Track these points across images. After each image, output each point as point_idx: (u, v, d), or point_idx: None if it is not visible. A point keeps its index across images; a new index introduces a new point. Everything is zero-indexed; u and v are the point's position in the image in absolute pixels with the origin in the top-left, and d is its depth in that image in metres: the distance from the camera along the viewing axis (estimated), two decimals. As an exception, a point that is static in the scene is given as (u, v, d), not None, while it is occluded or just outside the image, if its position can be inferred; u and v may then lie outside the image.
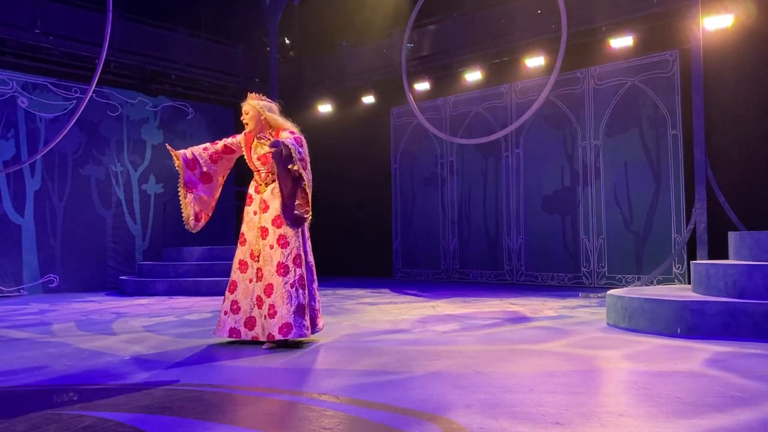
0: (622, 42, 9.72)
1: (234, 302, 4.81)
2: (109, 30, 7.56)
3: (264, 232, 4.71)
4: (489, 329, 5.50)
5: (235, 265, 4.86)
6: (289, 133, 4.72)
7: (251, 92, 5.00)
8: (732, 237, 5.80)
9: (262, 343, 4.64)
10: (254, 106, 4.85)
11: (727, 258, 6.01)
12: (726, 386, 3.25)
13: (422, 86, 12.24)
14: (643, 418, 2.69)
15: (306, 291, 4.66)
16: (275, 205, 4.70)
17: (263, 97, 4.94)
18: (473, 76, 11.48)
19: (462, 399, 3.04)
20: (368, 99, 13.14)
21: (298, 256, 4.65)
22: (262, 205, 4.77)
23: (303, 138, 4.77)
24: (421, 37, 12.21)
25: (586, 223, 10.37)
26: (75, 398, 3.17)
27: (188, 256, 10.83)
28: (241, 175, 10.03)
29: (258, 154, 4.84)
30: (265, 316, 4.59)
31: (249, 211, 4.87)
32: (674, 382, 3.37)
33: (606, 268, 10.12)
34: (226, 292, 4.87)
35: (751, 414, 2.73)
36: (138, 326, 6.11)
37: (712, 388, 3.20)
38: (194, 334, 5.47)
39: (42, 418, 2.79)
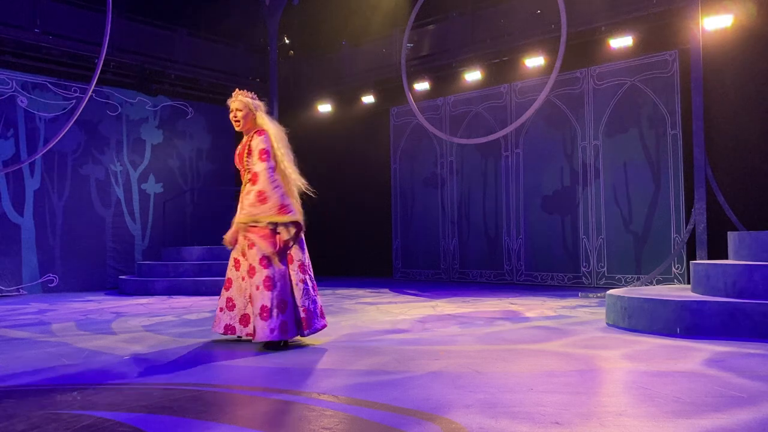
0: (621, 42, 9.71)
1: (229, 299, 4.84)
2: (108, 29, 7.56)
3: None
4: (488, 329, 5.50)
5: (230, 262, 4.91)
6: (262, 137, 4.67)
7: (239, 89, 4.87)
8: (731, 237, 5.80)
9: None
10: (247, 104, 4.76)
11: (726, 258, 6.01)
12: (725, 386, 3.25)
13: (422, 86, 12.24)
14: (643, 418, 2.69)
15: (275, 292, 4.47)
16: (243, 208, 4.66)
17: (251, 94, 4.84)
18: (473, 76, 11.47)
19: (461, 399, 3.04)
20: (368, 99, 13.13)
21: (264, 257, 4.54)
22: (240, 206, 4.73)
23: (280, 132, 4.75)
24: (421, 37, 12.21)
25: (586, 223, 10.37)
26: (74, 398, 3.17)
27: (188, 256, 10.84)
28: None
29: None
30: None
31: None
32: (674, 382, 3.37)
33: (605, 268, 10.12)
34: (222, 290, 4.92)
35: (751, 414, 2.73)
36: (137, 326, 6.11)
37: (712, 388, 3.20)
38: (194, 334, 5.47)
39: (41, 418, 2.79)
